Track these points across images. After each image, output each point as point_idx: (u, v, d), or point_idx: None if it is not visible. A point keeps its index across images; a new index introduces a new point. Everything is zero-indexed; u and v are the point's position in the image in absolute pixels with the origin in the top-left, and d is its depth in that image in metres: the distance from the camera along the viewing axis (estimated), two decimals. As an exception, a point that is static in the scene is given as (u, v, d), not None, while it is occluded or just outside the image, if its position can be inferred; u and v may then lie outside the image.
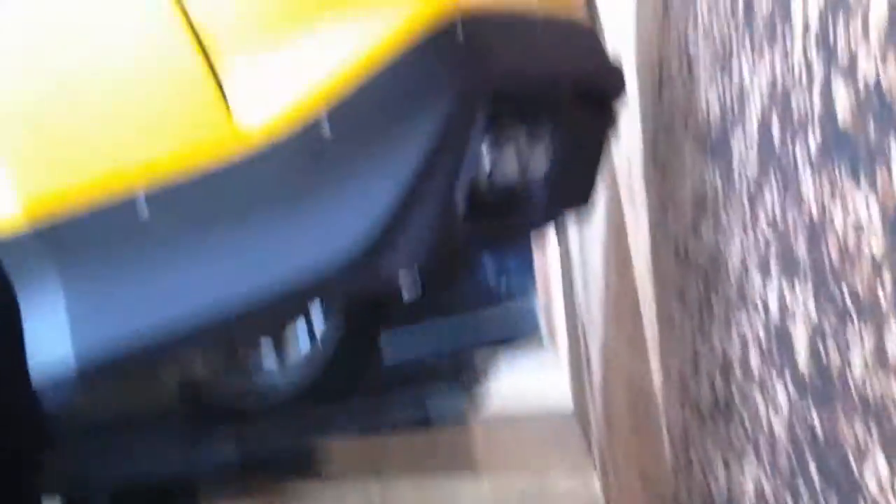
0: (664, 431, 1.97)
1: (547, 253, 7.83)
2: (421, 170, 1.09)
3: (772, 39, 0.99)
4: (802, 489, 0.96)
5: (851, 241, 0.79)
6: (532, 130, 1.22)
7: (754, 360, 1.14)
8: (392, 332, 4.38)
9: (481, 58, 1.13)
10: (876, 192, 0.73)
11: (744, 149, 1.13)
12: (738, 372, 1.23)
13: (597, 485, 3.96)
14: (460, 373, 2.39)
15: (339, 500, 4.04)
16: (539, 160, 1.25)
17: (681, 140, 1.54)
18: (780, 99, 0.97)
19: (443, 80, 1.10)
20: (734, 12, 1.14)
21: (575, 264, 4.29)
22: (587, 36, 1.43)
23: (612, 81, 1.46)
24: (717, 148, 1.27)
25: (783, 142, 0.97)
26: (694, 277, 1.49)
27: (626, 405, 2.71)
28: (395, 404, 2.17)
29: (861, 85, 0.75)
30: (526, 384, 7.24)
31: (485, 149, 1.16)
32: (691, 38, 1.41)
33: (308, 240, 1.10)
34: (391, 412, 2.09)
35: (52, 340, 1.11)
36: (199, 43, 1.08)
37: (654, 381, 2.09)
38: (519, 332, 3.41)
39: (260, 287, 1.10)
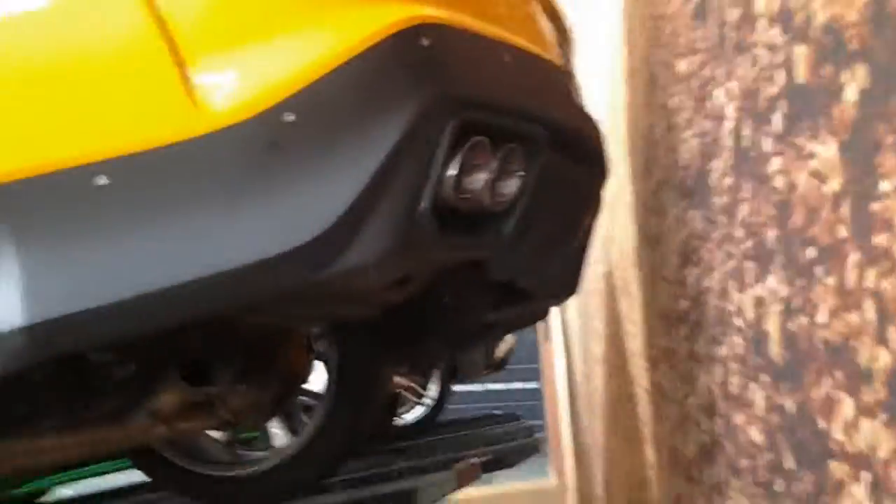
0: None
1: (554, 381, 7.75)
2: (384, 166, 1.11)
3: (739, 50, 1.03)
4: (779, 483, 0.95)
5: (813, 195, 0.81)
6: (506, 156, 1.25)
7: (733, 379, 1.13)
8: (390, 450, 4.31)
9: (446, 66, 1.17)
10: (832, 127, 0.76)
11: (720, 170, 1.16)
12: (719, 402, 1.22)
13: None
14: (450, 464, 2.36)
15: None
16: (511, 183, 1.27)
17: (665, 200, 1.57)
18: (749, 97, 1.00)
19: (408, 80, 1.13)
20: (708, 39, 1.18)
21: (579, 384, 4.26)
22: (557, 75, 1.47)
23: (587, 128, 1.50)
24: (697, 187, 1.30)
25: (753, 140, 0.99)
26: (683, 333, 1.49)
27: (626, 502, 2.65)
28: (385, 489, 2.13)
29: (817, 34, 0.78)
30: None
31: (455, 167, 1.18)
32: (671, 91, 1.46)
33: (264, 222, 1.10)
34: (381, 495, 2.05)
35: (3, 303, 1.11)
36: (164, 31, 1.12)
37: (646, 469, 2.05)
38: (520, 452, 3.36)
39: (213, 268, 1.10)
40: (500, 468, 2.95)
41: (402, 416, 5.70)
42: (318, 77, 1.14)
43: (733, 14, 1.05)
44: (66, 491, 7.75)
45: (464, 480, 2.25)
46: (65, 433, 1.66)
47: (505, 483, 8.86)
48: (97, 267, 1.13)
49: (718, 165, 1.18)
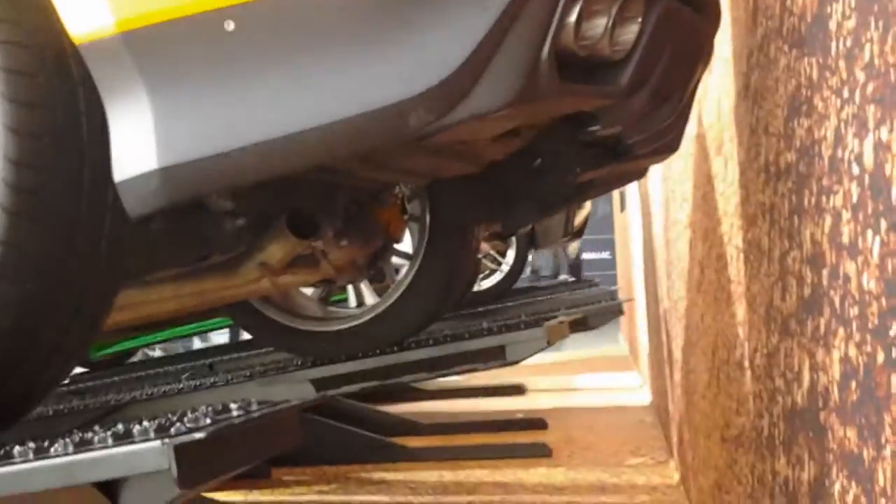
0: (747, 372, 1.93)
1: (629, 249, 7.75)
2: (509, 10, 1.09)
3: None
4: (893, 328, 0.94)
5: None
6: (624, 3, 1.22)
7: (846, 228, 1.12)
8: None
9: None
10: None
11: (840, 12, 1.12)
12: (828, 253, 1.20)
13: (675, 474, 3.90)
14: (540, 321, 2.40)
15: (414, 488, 4.04)
16: (629, 30, 1.25)
17: (775, 51, 1.53)
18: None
19: None
20: None
21: (657, 249, 4.25)
22: None
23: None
24: (813, 31, 1.26)
25: (884, -21, 0.96)
26: (784, 186, 1.47)
27: (707, 372, 2.66)
28: (472, 344, 2.18)
29: None
30: (603, 381, 7.18)
31: (575, 12, 1.16)
32: (789, -62, 1.40)
33: (391, 66, 1.10)
34: (468, 351, 2.09)
35: (137, 147, 1.14)
36: None
37: (736, 327, 2.06)
38: (605, 314, 3.40)
39: (339, 115, 1.11)
40: (586, 329, 2.99)
41: (481, 282, 5.76)
42: None
43: None
44: (152, 353, 8.06)
45: (553, 337, 2.29)
46: (182, 283, 1.72)
47: (576, 350, 8.99)
48: (227, 112, 1.15)
49: (838, 7, 1.14)
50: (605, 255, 12.59)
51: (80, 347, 1.40)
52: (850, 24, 1.08)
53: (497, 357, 2.11)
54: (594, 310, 3.21)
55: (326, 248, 1.93)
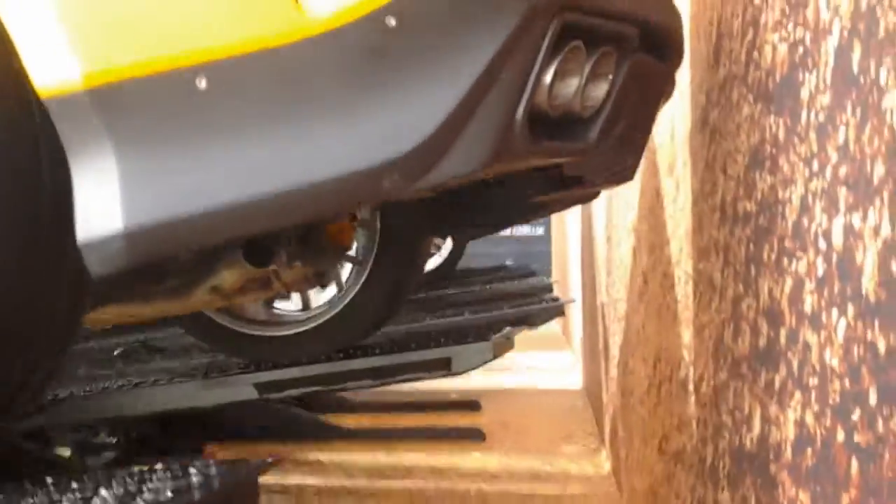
0: (691, 396, 1.97)
1: (565, 232, 7.82)
2: (485, 74, 1.09)
3: (857, -30, 0.99)
4: (856, 412, 0.97)
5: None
6: (598, 60, 1.23)
7: (808, 296, 1.14)
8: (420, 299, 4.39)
9: None
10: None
11: (814, 84, 1.14)
12: (786, 313, 1.23)
13: (606, 464, 3.97)
14: (487, 331, 2.42)
15: (347, 470, 4.05)
16: (600, 87, 1.26)
17: (737, 97, 1.54)
18: (864, 17, 0.97)
19: None
20: (814, -50, 1.14)
21: (597, 244, 4.30)
22: None
23: (674, 22, 1.47)
24: (782, 91, 1.28)
25: (863, 66, 0.97)
26: (742, 234, 1.50)
27: (647, 379, 2.71)
28: (418, 355, 2.19)
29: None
30: (535, 360, 7.26)
31: (551, 73, 1.16)
32: (759, -11, 1.42)
33: (365, 131, 1.10)
34: (415, 361, 2.11)
35: (101, 206, 1.11)
36: None
37: (681, 349, 2.09)
38: (545, 314, 3.43)
39: (312, 176, 1.10)
40: (525, 328, 3.03)
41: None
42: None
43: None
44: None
45: (500, 352, 2.31)
46: (131, 304, 1.70)
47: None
48: (196, 173, 1.13)
49: (811, 78, 1.16)
50: (540, 231, 12.67)
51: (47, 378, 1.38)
52: (825, 99, 1.10)
53: (442, 367, 2.13)
54: (536, 310, 3.26)
55: (279, 270, 1.93)
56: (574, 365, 6.79)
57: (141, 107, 1.12)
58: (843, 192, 1.03)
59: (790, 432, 1.21)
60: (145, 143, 1.12)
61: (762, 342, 1.37)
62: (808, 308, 1.15)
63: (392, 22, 1.10)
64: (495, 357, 2.31)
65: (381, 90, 1.10)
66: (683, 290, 2.08)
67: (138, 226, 1.12)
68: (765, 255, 1.36)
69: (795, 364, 1.20)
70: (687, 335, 2.03)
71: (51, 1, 1.10)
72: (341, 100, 1.10)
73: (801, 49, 1.20)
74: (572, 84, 1.21)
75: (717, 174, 1.71)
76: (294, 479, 3.97)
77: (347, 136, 1.10)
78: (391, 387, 5.95)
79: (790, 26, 1.25)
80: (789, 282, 1.23)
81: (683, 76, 2.08)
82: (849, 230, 1.01)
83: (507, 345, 2.44)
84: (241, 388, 2.44)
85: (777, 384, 1.28)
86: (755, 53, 1.44)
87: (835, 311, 1.05)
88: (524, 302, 3.40)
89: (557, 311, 3.49)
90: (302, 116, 1.11)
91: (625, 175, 1.72)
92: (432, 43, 1.10)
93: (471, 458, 4.15)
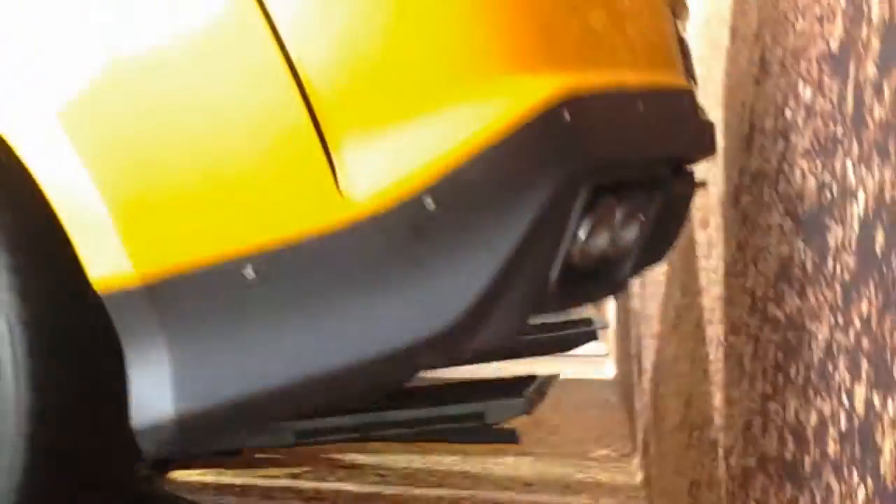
0: (722, 462, 2.02)
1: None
2: (520, 247, 1.14)
3: (883, 153, 1.02)
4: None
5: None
6: (630, 206, 1.27)
7: (832, 443, 1.19)
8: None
9: (586, 139, 1.17)
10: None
11: (841, 243, 1.17)
12: (812, 446, 1.28)
13: (638, 474, 4.03)
14: (521, 386, 2.46)
15: (384, 476, 4.14)
16: (632, 229, 1.30)
17: (769, 199, 1.57)
18: (887, 208, 1.00)
19: (548, 161, 1.14)
20: (841, 109, 1.17)
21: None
22: (685, 101, 1.46)
23: (705, 143, 1.50)
24: (810, 227, 1.31)
25: (885, 255, 1.01)
26: (771, 336, 1.54)
27: (678, 414, 2.76)
28: (452, 412, 2.24)
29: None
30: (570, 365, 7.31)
31: (584, 231, 1.20)
32: (791, 105, 1.44)
33: (404, 310, 1.15)
34: (448, 418, 2.16)
35: (154, 394, 1.18)
36: (311, 110, 1.12)
37: (712, 409, 2.14)
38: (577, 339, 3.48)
39: (360, 354, 1.16)
40: (556, 377, 3.09)
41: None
42: (461, 163, 1.15)
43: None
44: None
45: (535, 405, 2.36)
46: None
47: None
48: (242, 359, 1.19)
49: (839, 234, 1.19)
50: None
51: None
52: (850, 262, 1.14)
53: (476, 420, 2.19)
54: (570, 335, 3.31)
55: None
56: (607, 353, 6.84)
57: (192, 299, 1.17)
58: (864, 364, 1.07)
59: (813, 562, 1.26)
60: (196, 333, 1.17)
61: (788, 456, 1.41)
62: (831, 452, 1.19)
63: (431, 204, 1.14)
64: (529, 413, 2.37)
65: (420, 270, 1.15)
66: (715, 353, 2.12)
67: (189, 412, 1.18)
68: (792, 374, 1.40)
69: (818, 501, 1.24)
70: (717, 398, 2.08)
71: (107, 201, 1.16)
72: (384, 282, 1.15)
73: (828, 196, 1.23)
74: (605, 236, 1.25)
75: (748, 262, 1.75)
76: (329, 484, 4.07)
77: (388, 316, 1.15)
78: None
79: (818, 164, 1.28)
80: (814, 417, 1.27)
81: (717, 137, 2.11)
82: (869, 406, 1.05)
83: (540, 399, 2.50)
84: (281, 435, 2.50)
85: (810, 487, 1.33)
86: (785, 167, 1.47)
87: (855, 474, 1.10)
88: (555, 326, 3.45)
89: (590, 336, 3.54)
90: (346, 300, 1.16)
91: (657, 258, 1.77)
92: (468, 222, 1.15)
93: (504, 464, 4.23)
